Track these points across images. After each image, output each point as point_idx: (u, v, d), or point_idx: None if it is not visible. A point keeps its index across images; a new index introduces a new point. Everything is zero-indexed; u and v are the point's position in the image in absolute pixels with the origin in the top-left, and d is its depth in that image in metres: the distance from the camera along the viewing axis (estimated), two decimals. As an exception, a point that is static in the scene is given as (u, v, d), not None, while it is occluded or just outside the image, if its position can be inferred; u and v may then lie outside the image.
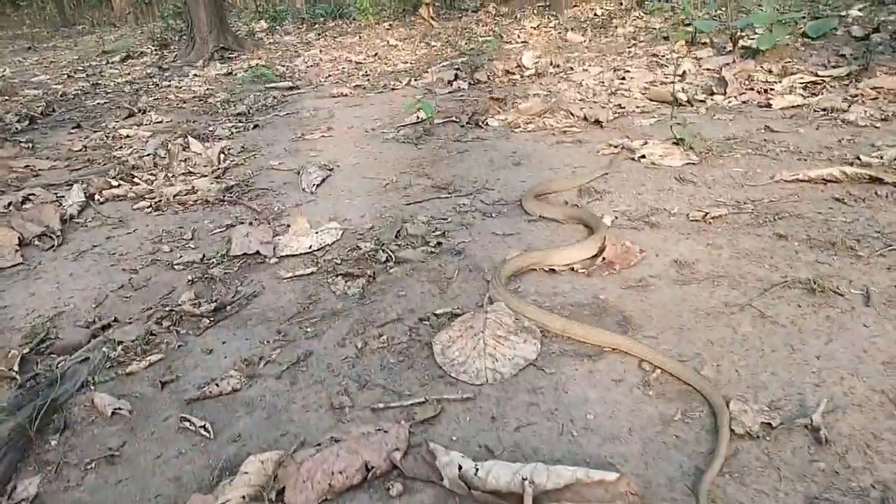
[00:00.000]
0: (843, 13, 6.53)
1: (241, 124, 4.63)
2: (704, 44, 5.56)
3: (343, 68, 7.13)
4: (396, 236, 2.31)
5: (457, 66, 6.01)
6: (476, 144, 3.48)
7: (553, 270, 1.92)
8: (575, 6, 7.72)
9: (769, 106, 3.75)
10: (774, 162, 2.73)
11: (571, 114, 3.84)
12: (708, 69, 4.79)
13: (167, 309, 1.95)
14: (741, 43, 5.13)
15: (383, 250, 2.19)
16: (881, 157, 2.59)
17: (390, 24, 10.18)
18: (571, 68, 5.50)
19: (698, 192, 2.47)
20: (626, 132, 3.43)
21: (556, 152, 3.21)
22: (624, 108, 4.01)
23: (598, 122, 3.64)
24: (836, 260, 1.82)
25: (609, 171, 2.79)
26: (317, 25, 11.61)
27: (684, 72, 4.68)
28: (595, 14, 7.78)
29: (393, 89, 5.65)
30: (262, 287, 2.05)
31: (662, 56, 5.47)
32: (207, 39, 8.68)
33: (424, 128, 3.83)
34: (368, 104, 5.02)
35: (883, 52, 4.36)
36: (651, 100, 4.16)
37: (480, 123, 3.86)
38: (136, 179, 3.32)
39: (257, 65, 7.58)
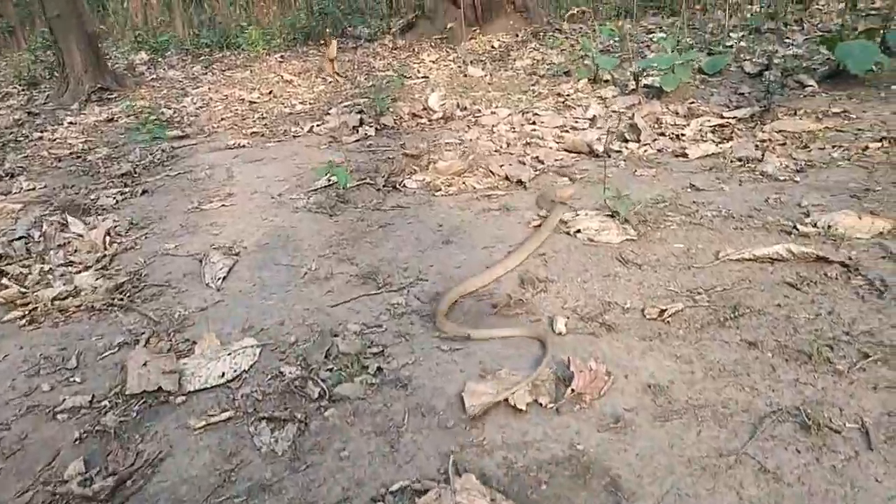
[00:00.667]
0: (729, 44, 6.72)
1: (127, 189, 4.14)
2: (607, 81, 5.53)
3: (237, 109, 6.67)
4: (326, 356, 2.00)
5: (360, 108, 5.71)
6: (398, 215, 3.20)
7: (516, 407, 1.66)
8: (472, 38, 7.60)
9: (686, 156, 3.68)
10: (712, 233, 2.60)
11: (492, 172, 3.63)
12: (615, 111, 4.73)
13: (50, 491, 1.55)
14: (644, 81, 5.11)
15: (313, 380, 1.87)
16: (815, 226, 2.51)
17: (282, 56, 9.74)
18: (479, 110, 5.32)
19: (646, 277, 2.30)
20: (554, 191, 3.25)
21: (486, 223, 2.98)
22: (542, 161, 3.85)
23: (520, 182, 3.45)
24: (818, 378, 1.67)
25: (540, 247, 2.59)
26: (203, 57, 10.97)
27: (594, 116, 4.59)
28: (492, 46, 7.68)
29: (295, 136, 5.28)
30: (169, 445, 1.69)
31: (568, 96, 5.38)
32: (83, 79, 7.95)
33: (338, 193, 3.51)
34: (270, 158, 4.63)
35: (781, 92, 4.42)
36: (567, 150, 4.02)
37: (398, 186, 3.58)
38: (3, 278, 2.82)
39: (142, 108, 6.98)
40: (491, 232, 2.86)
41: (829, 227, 2.49)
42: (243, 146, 5.06)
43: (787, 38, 7.09)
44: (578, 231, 2.68)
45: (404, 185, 3.60)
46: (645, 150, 3.87)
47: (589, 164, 3.76)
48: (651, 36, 7.78)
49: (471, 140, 4.51)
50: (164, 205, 3.78)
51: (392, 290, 2.39)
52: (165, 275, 2.79)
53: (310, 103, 6.64)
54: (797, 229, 2.50)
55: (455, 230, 2.93)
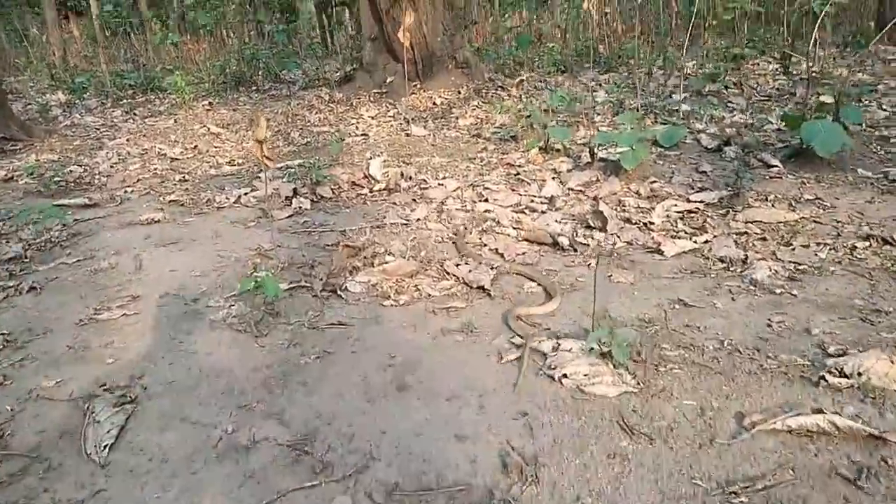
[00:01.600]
0: (675, 107, 6.45)
1: (11, 283, 3.38)
2: (558, 151, 5.10)
3: (156, 168, 5.92)
4: None
5: (295, 174, 5.09)
6: (339, 337, 2.59)
7: None
8: (413, 94, 7.10)
9: (661, 252, 3.24)
10: (723, 380, 2.12)
11: (447, 273, 3.08)
12: (573, 189, 4.28)
13: None
14: (599, 154, 4.70)
15: None
16: (844, 373, 2.06)
17: (210, 103, 9.00)
18: (425, 181, 4.79)
19: (661, 459, 1.77)
20: (521, 310, 2.71)
21: (447, 355, 2.41)
22: (502, 254, 3.33)
23: (481, 287, 2.91)
24: None
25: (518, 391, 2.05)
26: (124, 101, 10.09)
27: (552, 197, 4.13)
28: (434, 103, 7.21)
29: (219, 208, 4.61)
30: None
31: (519, 167, 4.92)
32: (-18, 128, 7.03)
33: (266, 301, 2.88)
34: (189, 239, 3.95)
35: (751, 176, 4.07)
36: (528, 241, 3.52)
37: (339, 290, 2.98)
38: None
39: (48, 164, 6.14)
40: (455, 370, 2.29)
41: (860, 374, 2.04)
42: (158, 221, 4.35)
43: (730, 101, 6.91)
44: (564, 376, 2.15)
45: (346, 289, 3.00)
46: (614, 244, 3.41)
47: (555, 261, 3.26)
48: (594, 95, 7.49)
49: (418, 220, 3.97)
50: (53, 309, 3.05)
51: (334, 480, 1.78)
52: (36, 434, 2.09)
53: (238, 163, 5.97)
54: (825, 380, 2.04)
55: (410, 366, 2.34)
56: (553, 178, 4.53)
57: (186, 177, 5.58)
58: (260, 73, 10.74)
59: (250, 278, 2.69)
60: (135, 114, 9.02)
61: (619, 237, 3.48)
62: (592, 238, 3.49)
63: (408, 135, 6.50)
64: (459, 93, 7.42)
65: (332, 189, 4.74)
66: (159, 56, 13.67)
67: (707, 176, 4.33)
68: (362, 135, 6.68)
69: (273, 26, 12.96)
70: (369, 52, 7.47)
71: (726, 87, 7.36)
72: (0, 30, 17.58)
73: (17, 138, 7.20)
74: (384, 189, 4.72)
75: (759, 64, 9.15)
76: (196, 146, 6.73)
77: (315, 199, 4.60)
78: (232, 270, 3.35)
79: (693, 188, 4.13)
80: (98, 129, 8.10)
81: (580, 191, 4.25)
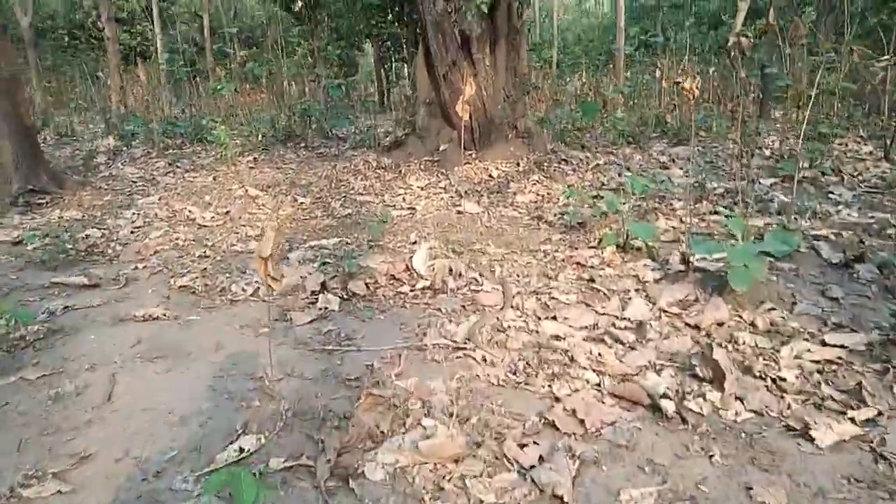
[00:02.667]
0: (768, 196, 5.43)
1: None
2: (639, 249, 4.14)
3: (178, 239, 5.18)
4: None
5: (326, 262, 4.26)
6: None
7: None
8: (467, 163, 6.27)
9: (809, 438, 2.23)
10: None
11: (506, 458, 2.14)
12: (666, 311, 3.30)
13: None
14: (693, 262, 3.72)
15: None
16: None
17: (255, 159, 8.36)
18: (477, 279, 3.89)
19: None
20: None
21: None
22: (581, 419, 2.37)
23: (558, 498, 1.94)
24: None
25: None
26: (171, 151, 9.57)
27: (640, 323, 3.16)
28: (490, 175, 6.36)
29: (233, 301, 3.79)
30: None
31: (592, 268, 3.98)
32: (12, 178, 6.46)
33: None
34: (184, 353, 3.10)
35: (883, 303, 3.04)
36: (617, 397, 2.55)
37: (351, 479, 2.06)
38: None
39: (67, 223, 5.49)
40: None
41: None
42: (157, 318, 3.53)
43: (830, 191, 5.86)
44: None
45: (362, 475, 2.07)
46: (737, 415, 2.41)
47: (658, 441, 2.28)
48: (670, 174, 6.52)
49: (467, 343, 3.04)
50: (-25, 464, 2.22)
51: None
52: None
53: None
54: None
55: None
56: (637, 291, 3.56)
57: (208, 252, 4.81)
58: (311, 128, 10.14)
59: (221, 473, 1.78)
60: (177, 166, 8.44)
61: (742, 402, 2.48)
62: (705, 399, 2.50)
63: (459, 212, 5.64)
64: (518, 165, 6.56)
65: (367, 284, 3.87)
66: (213, 105, 13.30)
67: (840, 305, 3.30)
68: (409, 208, 5.85)
69: (329, 81, 12.44)
70: (423, 116, 6.71)
71: (823, 173, 6.32)
72: (76, 71, 17.67)
73: (46, 191, 6.61)
74: (428, 288, 3.83)
75: (847, 145, 8.08)
76: (228, 211, 6.00)
77: (346, 297, 3.74)
78: (220, 419, 2.47)
79: (826, 323, 3.11)
80: (134, 183, 7.49)
81: (676, 314, 3.27)
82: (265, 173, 7.57)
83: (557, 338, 3.06)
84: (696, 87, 3.49)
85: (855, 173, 6.46)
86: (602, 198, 4.79)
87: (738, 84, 11.88)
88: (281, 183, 6.99)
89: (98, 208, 6.32)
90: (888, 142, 7.15)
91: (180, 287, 4.05)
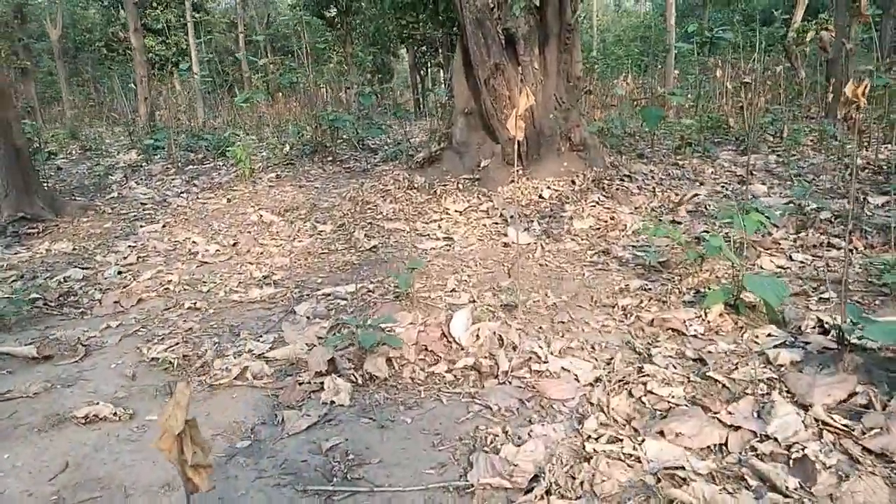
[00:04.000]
0: (890, 220, 4.19)
1: None
2: (753, 307, 2.98)
3: (170, 283, 4.19)
4: None
5: (339, 322, 3.21)
6: None
7: None
8: (513, 182, 5.15)
9: None
10: None
11: None
12: (827, 425, 2.14)
13: None
14: (853, 339, 2.53)
15: None
16: None
17: (278, 175, 7.37)
18: (537, 354, 2.78)
19: None
20: None
21: None
22: None
23: None
24: None
25: None
26: (192, 166, 8.67)
27: (802, 456, 2.00)
28: (540, 196, 5.24)
29: (212, 387, 2.75)
30: None
31: (693, 335, 2.83)
32: (1, 205, 5.58)
33: None
34: (118, 501, 2.07)
35: None
36: None
37: None
38: None
39: (51, 260, 4.56)
40: None
41: None
42: (104, 419, 2.51)
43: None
44: None
45: None
46: None
47: None
48: (752, 192, 5.30)
49: (536, 481, 1.94)
50: None
51: None
52: None
53: (276, 280, 4.15)
54: None
55: None
56: (773, 383, 2.40)
57: (200, 302, 3.80)
58: (341, 139, 9.14)
59: None
60: (194, 184, 7.52)
61: None
62: None
63: (506, 244, 4.53)
64: (573, 182, 5.42)
65: (389, 360, 2.80)
66: (245, 116, 12.44)
67: None
68: (445, 238, 4.76)
69: (361, 88, 11.46)
70: (461, 128, 5.62)
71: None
72: (113, 83, 17.07)
73: (40, 218, 5.72)
74: (472, 368, 2.74)
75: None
76: (236, 243, 5.00)
77: (360, 383, 2.67)
78: None
79: None
80: (143, 206, 6.56)
81: (845, 431, 2.11)
82: (286, 192, 6.57)
83: (675, 478, 1.94)
84: (862, 94, 2.30)
85: None
86: (703, 240, 3.63)
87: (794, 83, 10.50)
88: (301, 205, 5.97)
89: (94, 238, 5.40)
90: None
91: (152, 360, 3.04)
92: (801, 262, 3.75)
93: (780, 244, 4.06)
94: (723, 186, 5.73)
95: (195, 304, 3.78)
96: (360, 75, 14.17)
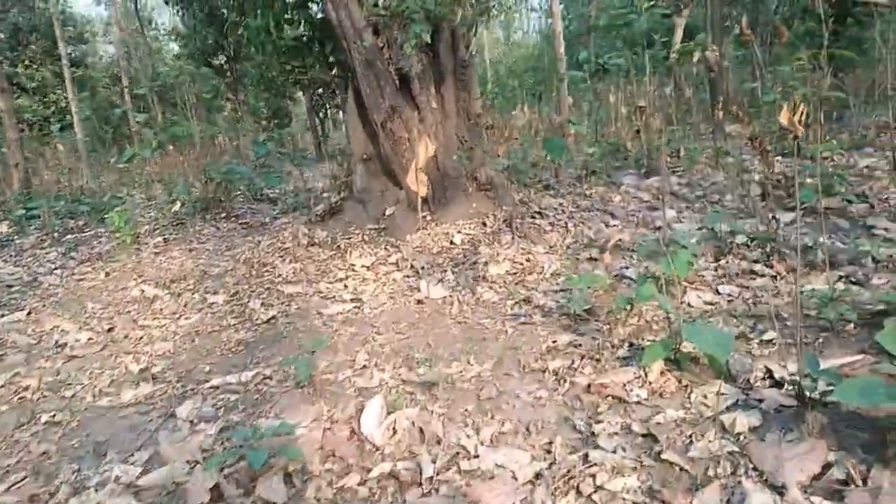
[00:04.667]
0: (805, 240, 4.07)
1: None
2: (695, 361, 2.66)
3: (27, 387, 3.46)
4: None
5: (228, 427, 2.65)
6: None
7: None
8: (422, 230, 4.73)
9: None
10: None
11: None
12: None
13: None
14: (816, 393, 2.23)
15: None
16: None
17: (165, 240, 6.64)
18: (465, 448, 2.33)
19: None
20: None
21: None
22: None
23: None
24: None
25: None
26: (71, 235, 7.75)
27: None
28: (451, 242, 4.85)
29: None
30: None
31: (636, 402, 2.47)
32: None
33: None
34: None
35: None
36: None
37: None
38: None
39: None
40: None
41: None
42: None
43: (872, 226, 4.54)
44: None
45: None
46: None
47: None
48: (679, 227, 5.13)
49: None
50: None
51: None
52: None
53: (158, 373, 3.51)
54: None
55: None
56: (734, 458, 2.06)
57: (60, 415, 3.11)
58: (238, 192, 8.48)
59: None
60: (71, 257, 6.65)
61: None
62: None
63: (420, 301, 4.09)
64: (485, 224, 5.07)
65: (288, 476, 2.27)
66: (133, 174, 11.47)
67: None
68: (353, 300, 4.27)
69: (255, 135, 10.85)
70: (361, 175, 5.17)
71: (848, 200, 5.02)
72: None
73: None
74: (390, 475, 2.25)
75: (833, 159, 6.86)
76: (111, 328, 4.29)
77: (253, 514, 2.12)
78: None
79: None
80: (8, 289, 5.67)
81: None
82: (173, 260, 5.87)
83: None
84: (800, 115, 2.04)
85: (880, 196, 5.19)
86: (625, 277, 3.33)
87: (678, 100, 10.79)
88: (189, 273, 5.30)
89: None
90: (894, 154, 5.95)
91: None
92: (729, 294, 3.51)
93: (703, 276, 3.83)
94: (634, 215, 5.55)
95: (55, 416, 3.09)
96: (256, 122, 13.54)
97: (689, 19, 13.63)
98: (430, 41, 4.78)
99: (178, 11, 14.02)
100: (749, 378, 2.50)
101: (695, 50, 10.88)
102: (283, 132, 14.28)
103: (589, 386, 2.65)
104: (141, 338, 4.08)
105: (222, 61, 13.49)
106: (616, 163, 8.53)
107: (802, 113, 2.04)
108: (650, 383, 2.57)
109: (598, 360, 2.87)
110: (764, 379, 2.48)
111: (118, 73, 18.94)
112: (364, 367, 3.17)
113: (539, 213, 5.45)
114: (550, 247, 4.84)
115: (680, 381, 2.57)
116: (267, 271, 5.04)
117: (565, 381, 2.74)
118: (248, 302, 4.44)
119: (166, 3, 13.53)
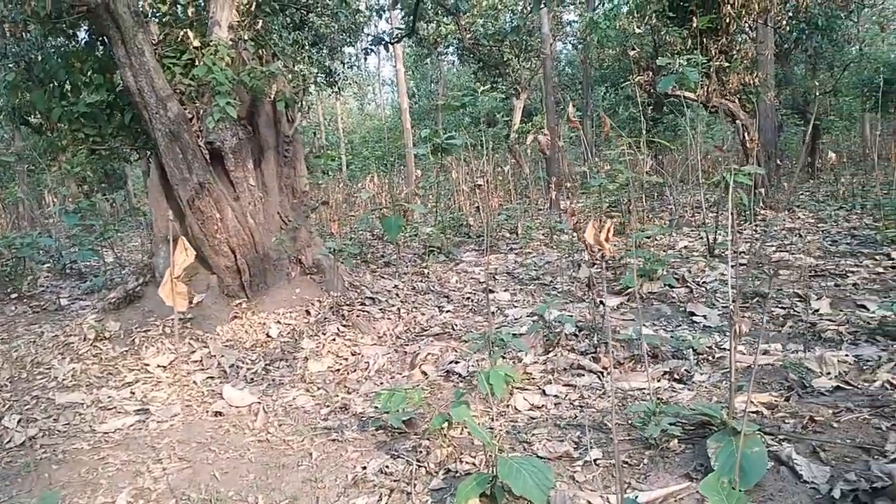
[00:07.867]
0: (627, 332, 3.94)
1: None
2: (521, 499, 2.25)
3: None
4: None
5: None
6: None
7: None
8: (236, 319, 4.09)
9: None
10: None
11: None
12: None
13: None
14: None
15: None
16: None
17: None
18: None
19: None
20: None
21: None
22: None
23: None
24: None
25: None
26: None
27: None
28: (268, 335, 4.23)
29: None
30: None
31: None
32: None
33: None
34: None
35: None
36: None
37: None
38: None
39: None
40: None
41: None
42: None
43: (692, 313, 4.55)
44: None
45: None
46: None
47: None
48: (497, 301, 4.87)
49: None
50: None
51: None
52: None
53: None
54: None
55: None
56: None
57: None
58: (43, 266, 7.24)
59: None
60: None
61: None
62: None
63: (218, 413, 3.40)
64: (308, 313, 4.51)
65: None
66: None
67: None
68: (138, 412, 3.48)
69: (76, 202, 9.58)
70: (165, 257, 4.42)
71: (670, 286, 5.06)
72: None
73: None
74: None
75: (655, 239, 7.13)
76: None
77: None
78: None
79: None
80: None
81: None
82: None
83: None
84: (607, 234, 1.76)
85: (697, 280, 5.31)
86: (452, 373, 2.91)
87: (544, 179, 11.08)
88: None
89: None
90: (708, 236, 6.25)
91: None
92: (556, 395, 3.22)
93: (531, 374, 3.52)
94: (468, 300, 5.26)
95: None
96: (78, 186, 12.08)
97: (526, 102, 14.33)
98: (240, 115, 4.27)
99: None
100: (573, 516, 2.14)
101: (531, 130, 11.34)
102: (114, 196, 12.85)
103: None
104: None
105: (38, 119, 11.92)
106: (458, 237, 8.39)
107: (609, 231, 1.78)
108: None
109: (408, 495, 2.38)
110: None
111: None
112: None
113: (371, 298, 4.98)
114: (379, 337, 4.37)
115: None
116: (41, 373, 4.07)
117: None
118: (2, 418, 3.48)
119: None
